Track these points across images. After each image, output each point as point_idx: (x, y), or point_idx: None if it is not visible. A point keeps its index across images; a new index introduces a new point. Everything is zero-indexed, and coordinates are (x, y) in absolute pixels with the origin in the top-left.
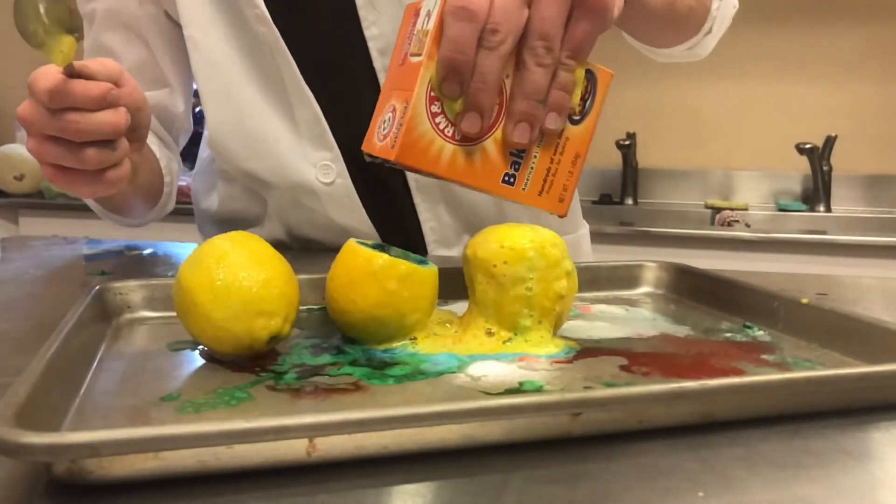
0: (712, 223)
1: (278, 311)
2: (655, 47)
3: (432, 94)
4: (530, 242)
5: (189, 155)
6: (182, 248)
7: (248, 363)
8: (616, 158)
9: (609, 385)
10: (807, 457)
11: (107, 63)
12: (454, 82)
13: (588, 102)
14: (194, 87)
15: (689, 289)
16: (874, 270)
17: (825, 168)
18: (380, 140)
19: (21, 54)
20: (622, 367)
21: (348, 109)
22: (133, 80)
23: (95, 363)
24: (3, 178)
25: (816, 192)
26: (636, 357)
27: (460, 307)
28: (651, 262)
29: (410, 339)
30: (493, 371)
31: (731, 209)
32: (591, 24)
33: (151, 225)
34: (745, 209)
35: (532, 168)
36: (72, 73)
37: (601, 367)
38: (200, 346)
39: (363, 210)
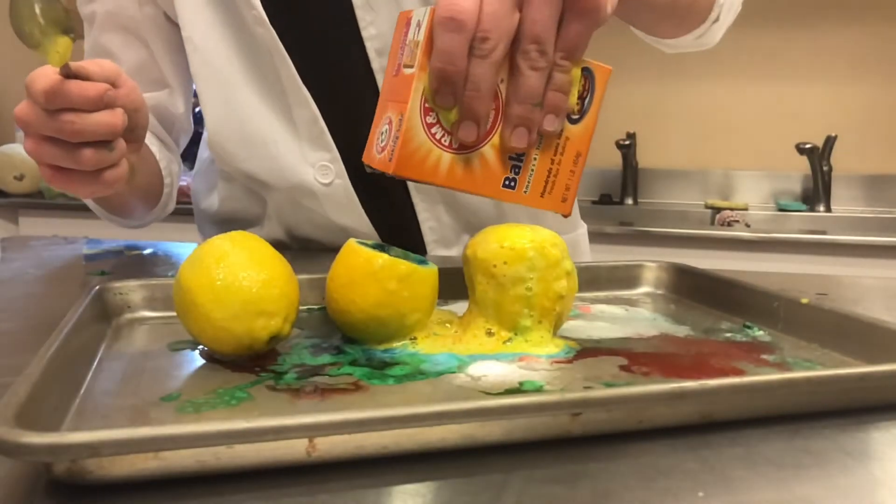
0: (712, 223)
1: (278, 311)
2: (661, 38)
3: (426, 105)
4: (530, 242)
5: (189, 155)
6: (182, 248)
7: (248, 363)
8: (616, 158)
9: (609, 385)
10: (807, 457)
11: (104, 64)
12: (447, 93)
13: (587, 100)
14: (194, 88)
15: (689, 289)
16: (874, 270)
17: (825, 168)
18: (378, 152)
19: (22, 54)
20: (622, 367)
21: (347, 110)
22: (131, 80)
23: (95, 363)
24: (3, 178)
25: (816, 192)
26: (636, 357)
27: (460, 307)
28: (651, 262)
29: (410, 339)
30: (493, 371)
31: (731, 209)
32: (584, 23)
33: (151, 225)
34: (745, 209)
35: (532, 170)
36: (68, 73)
37: (601, 367)
38: (200, 346)
39: (362, 210)
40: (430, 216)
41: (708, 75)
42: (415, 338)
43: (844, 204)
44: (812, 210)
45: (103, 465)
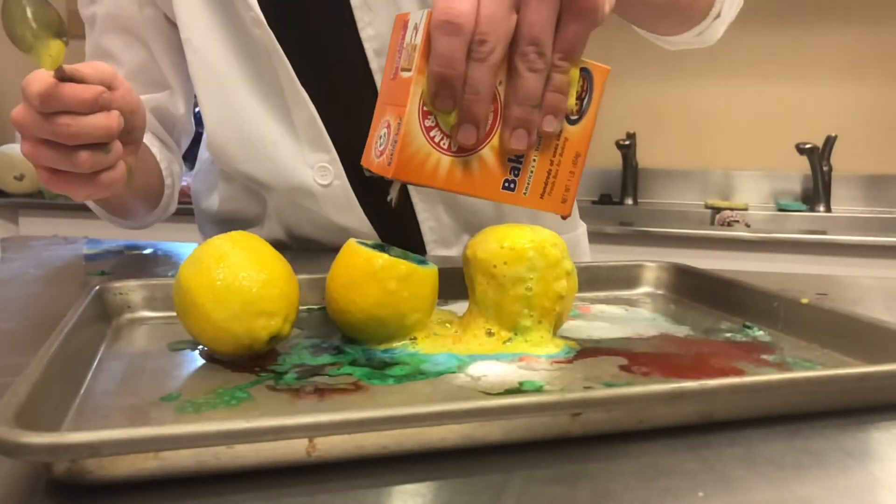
0: (712, 223)
1: (278, 311)
2: (662, 35)
3: (425, 108)
4: (530, 242)
5: (189, 155)
6: (182, 248)
7: (248, 363)
8: (616, 158)
9: (609, 385)
10: (807, 457)
11: (99, 66)
12: (446, 97)
13: (585, 101)
14: None
15: (689, 289)
16: (874, 270)
17: (825, 168)
18: (377, 156)
19: (22, 54)
20: (622, 367)
21: (346, 111)
22: (126, 82)
23: (95, 363)
24: (3, 178)
25: (816, 192)
26: (636, 357)
27: (460, 307)
28: (651, 262)
29: (410, 339)
30: (493, 371)
31: (731, 209)
32: (582, 24)
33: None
34: (745, 209)
35: (532, 172)
36: (63, 76)
37: (601, 367)
38: (200, 346)
39: (361, 211)
40: (429, 216)
41: (708, 75)
42: (415, 338)
43: (844, 204)
44: (812, 210)
45: (103, 465)
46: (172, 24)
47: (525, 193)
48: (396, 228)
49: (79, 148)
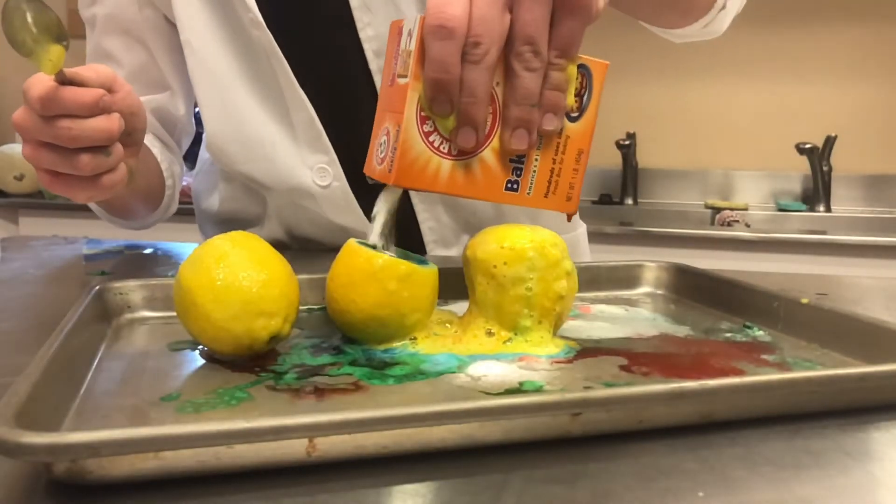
0: (712, 223)
1: (278, 311)
2: (667, 28)
3: (423, 114)
4: (530, 242)
5: (190, 155)
6: (182, 248)
7: (248, 363)
8: (616, 158)
9: (609, 385)
10: (807, 457)
11: (99, 69)
12: (443, 101)
13: (585, 97)
14: None
15: (689, 289)
16: (874, 270)
17: (825, 168)
18: (378, 163)
19: (21, 57)
20: (622, 367)
21: (345, 112)
22: (127, 84)
23: (95, 363)
24: (3, 178)
25: (816, 192)
26: (636, 357)
27: (460, 307)
28: (651, 262)
29: (410, 339)
30: (493, 371)
31: (731, 209)
32: (576, 20)
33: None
34: (745, 209)
35: (535, 172)
36: (63, 80)
37: (601, 367)
38: (200, 346)
39: (361, 212)
40: (429, 216)
41: (708, 75)
42: (415, 338)
43: (844, 204)
44: (812, 210)
45: (103, 465)
46: (172, 25)
47: (528, 193)
48: (396, 229)
49: (80, 151)
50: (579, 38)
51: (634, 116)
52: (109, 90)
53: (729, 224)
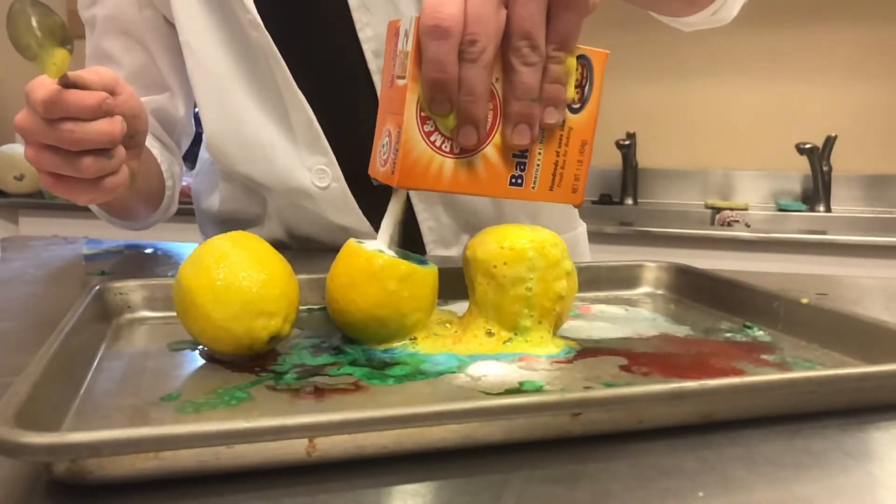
0: (712, 223)
1: (278, 311)
2: (674, 17)
3: (423, 114)
4: (530, 243)
5: (190, 155)
6: (182, 248)
7: (248, 363)
8: (616, 158)
9: (609, 385)
10: (807, 457)
11: (101, 72)
12: (442, 101)
13: (586, 88)
14: None
15: (689, 289)
16: (874, 270)
17: (825, 168)
18: (381, 165)
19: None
20: (622, 367)
21: (344, 113)
22: (129, 87)
23: (95, 363)
24: (3, 178)
25: (816, 192)
26: (636, 357)
27: (460, 307)
28: (651, 262)
29: (410, 339)
30: (493, 371)
31: (731, 209)
32: (573, 12)
33: None
34: (745, 209)
35: (538, 166)
36: (67, 83)
37: (601, 367)
38: (200, 346)
39: (360, 212)
40: (428, 216)
41: (708, 75)
42: (415, 338)
43: (844, 204)
44: (812, 210)
45: (103, 465)
46: (172, 26)
47: (533, 188)
48: (395, 229)
49: (82, 154)
50: (577, 30)
51: (634, 116)
52: (112, 93)
53: (729, 224)
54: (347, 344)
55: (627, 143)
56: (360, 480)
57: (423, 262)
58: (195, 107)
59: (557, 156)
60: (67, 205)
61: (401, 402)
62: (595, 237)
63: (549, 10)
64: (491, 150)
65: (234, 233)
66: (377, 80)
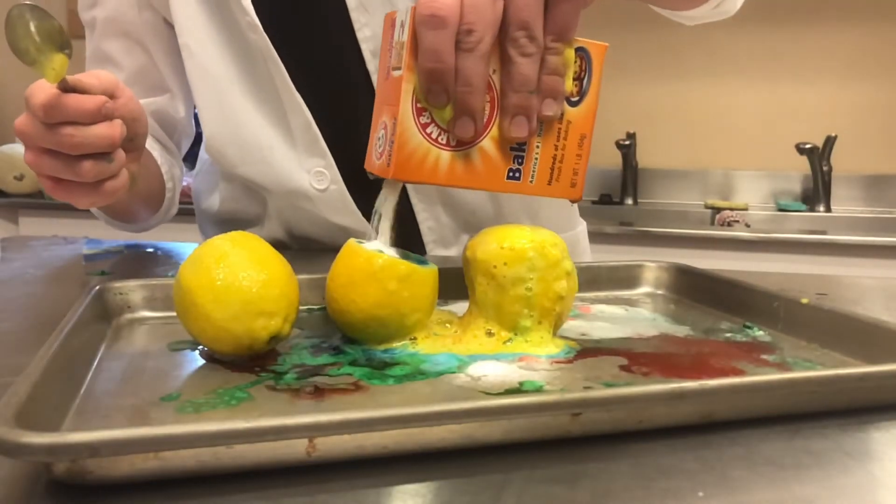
0: (712, 223)
1: (278, 311)
2: (675, 10)
3: (418, 105)
4: (530, 243)
5: (190, 155)
6: (182, 248)
7: (248, 363)
8: (616, 158)
9: (609, 385)
10: (807, 457)
11: (101, 76)
12: (439, 91)
13: (585, 81)
14: None
15: (689, 289)
16: (874, 270)
17: (825, 168)
18: (377, 158)
19: None
20: (622, 367)
21: (342, 114)
22: (128, 90)
23: (95, 363)
24: (3, 178)
25: (816, 192)
26: (636, 357)
27: (460, 307)
28: (651, 262)
29: (410, 339)
30: (493, 371)
31: (731, 209)
32: (571, 3)
33: None
34: (745, 209)
35: (536, 159)
36: (66, 87)
37: (601, 367)
38: (200, 346)
39: (359, 213)
40: (428, 216)
41: (708, 75)
42: (415, 338)
43: (844, 204)
44: (812, 210)
45: (103, 465)
46: (172, 28)
47: (531, 182)
48: (395, 229)
49: (82, 157)
50: (575, 21)
51: (634, 116)
52: (111, 96)
53: (729, 224)
54: (347, 344)
55: (627, 142)
56: (360, 480)
57: (422, 262)
58: (195, 108)
59: (556, 149)
60: (67, 205)
61: (401, 402)
62: (595, 237)
63: (546, 1)
64: (488, 143)
65: (234, 233)
66: (375, 80)
